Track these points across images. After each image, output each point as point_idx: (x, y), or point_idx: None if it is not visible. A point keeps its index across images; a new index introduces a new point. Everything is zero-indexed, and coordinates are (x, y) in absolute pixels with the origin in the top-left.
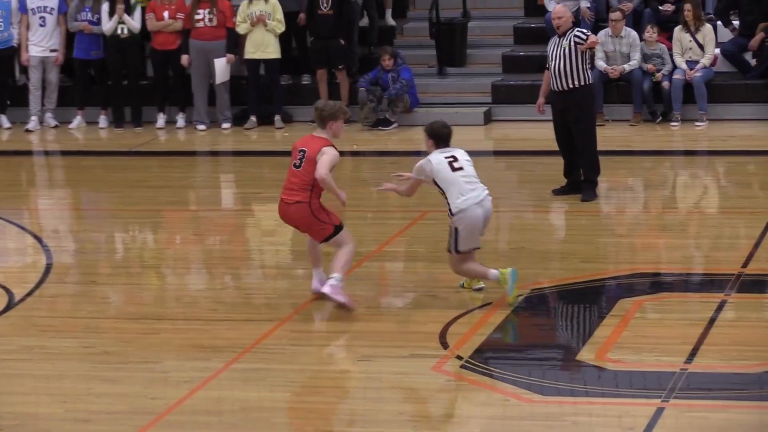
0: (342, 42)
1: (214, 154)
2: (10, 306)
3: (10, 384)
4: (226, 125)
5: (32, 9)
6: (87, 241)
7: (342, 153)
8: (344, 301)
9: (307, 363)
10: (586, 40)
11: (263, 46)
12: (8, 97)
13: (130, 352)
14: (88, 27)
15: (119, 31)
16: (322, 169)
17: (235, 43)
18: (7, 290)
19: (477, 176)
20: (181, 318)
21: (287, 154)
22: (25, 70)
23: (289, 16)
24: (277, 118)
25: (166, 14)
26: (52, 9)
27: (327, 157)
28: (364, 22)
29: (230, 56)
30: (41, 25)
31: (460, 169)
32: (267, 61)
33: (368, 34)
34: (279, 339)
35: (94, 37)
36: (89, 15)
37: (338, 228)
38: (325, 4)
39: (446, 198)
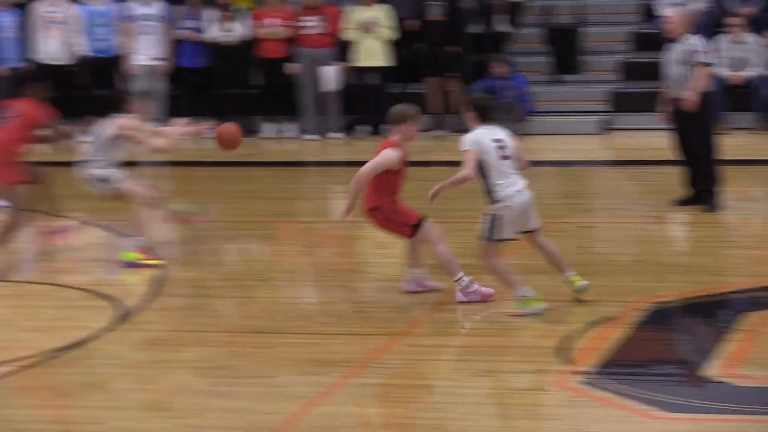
0: (454, 49)
1: (324, 164)
2: (123, 319)
3: (124, 398)
4: (336, 134)
5: (136, 17)
6: (199, 253)
7: (455, 163)
8: (477, 297)
9: (424, 378)
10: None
11: (373, 53)
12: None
13: (243, 367)
14: (192, 35)
15: (225, 39)
16: (365, 167)
17: (344, 50)
18: (121, 303)
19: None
20: (295, 332)
21: None
22: (128, 79)
23: (400, 23)
24: (387, 127)
25: (272, 21)
26: (155, 17)
27: (376, 158)
28: (477, 28)
29: (340, 64)
30: (146, 34)
31: (507, 157)
32: (377, 69)
33: (481, 41)
34: (395, 353)
35: (200, 45)
36: (193, 23)
37: (416, 226)
38: (436, 11)
39: (487, 182)
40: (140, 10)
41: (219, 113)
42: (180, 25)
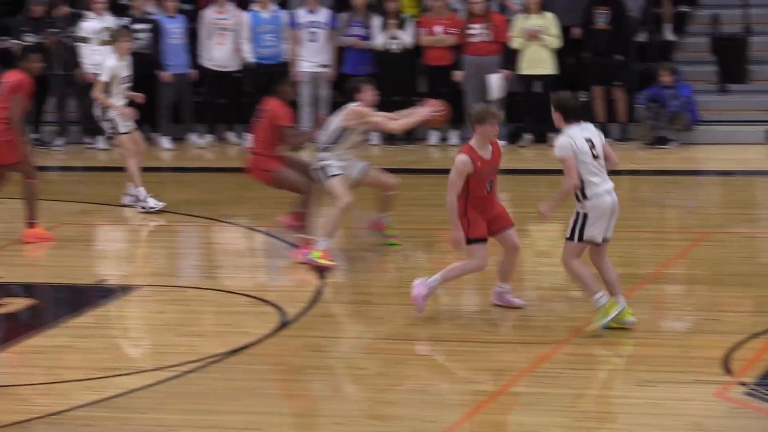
0: (620, 58)
1: None
2: (283, 325)
3: (281, 404)
4: (500, 142)
5: (303, 24)
6: (359, 260)
7: (619, 172)
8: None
9: (586, 387)
10: None
11: (539, 61)
12: None
13: (403, 374)
14: (358, 42)
15: (390, 47)
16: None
17: (510, 58)
18: (281, 309)
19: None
20: (456, 340)
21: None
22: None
23: (565, 31)
24: (552, 135)
25: (438, 29)
26: (323, 24)
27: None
28: (643, 37)
29: (505, 72)
30: (312, 41)
31: (597, 157)
32: (542, 77)
33: (647, 49)
34: (556, 362)
35: (365, 52)
36: (359, 30)
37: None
38: (602, 20)
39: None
40: (307, 17)
41: None
42: (346, 33)
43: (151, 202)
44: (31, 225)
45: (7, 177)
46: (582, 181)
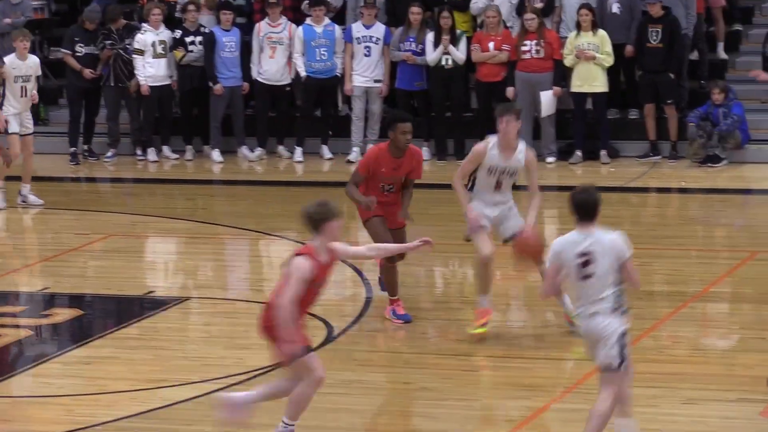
0: (672, 76)
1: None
2: (329, 339)
3: (326, 418)
4: (550, 159)
5: (357, 38)
6: (407, 275)
7: (669, 189)
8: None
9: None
10: None
11: (590, 79)
12: (331, 127)
13: (448, 389)
14: (411, 57)
15: (443, 62)
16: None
17: (562, 75)
18: (327, 323)
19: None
20: (502, 355)
21: (616, 189)
22: (348, 100)
23: (617, 48)
24: (603, 153)
25: (491, 45)
26: (377, 39)
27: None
28: (695, 55)
29: (557, 89)
30: (366, 55)
31: (587, 277)
32: (594, 95)
33: (698, 67)
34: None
35: (418, 67)
36: (413, 45)
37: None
38: (655, 37)
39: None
40: (362, 31)
41: (435, 136)
42: (399, 48)
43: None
44: None
45: None
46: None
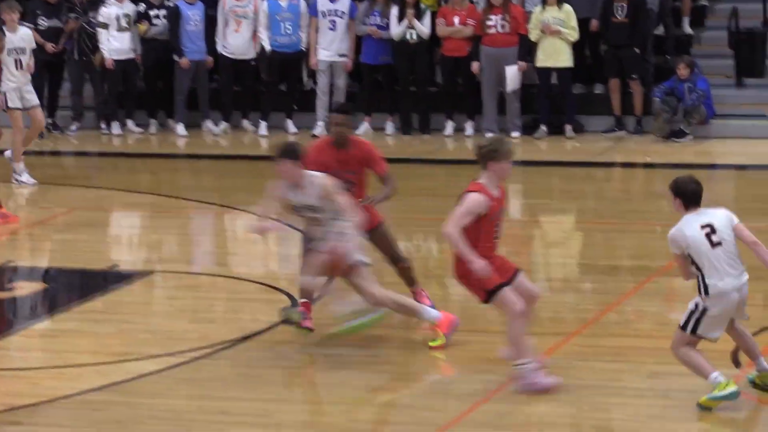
0: (637, 51)
1: None
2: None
3: (290, 392)
4: (515, 134)
5: (323, 12)
6: (373, 250)
7: (634, 164)
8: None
9: (595, 379)
10: None
11: (556, 53)
12: (295, 101)
13: (411, 363)
14: (376, 32)
15: (408, 37)
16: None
17: (527, 50)
18: (291, 297)
19: (738, 254)
20: (465, 329)
21: (578, 164)
22: (312, 74)
23: (582, 23)
24: (568, 127)
25: (456, 20)
26: (343, 13)
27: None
28: (660, 30)
29: (522, 64)
30: (331, 29)
31: (719, 244)
32: (559, 69)
33: (664, 42)
34: (565, 354)
35: (382, 42)
36: (378, 19)
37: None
38: (620, 12)
39: (701, 273)
40: (327, 5)
41: (400, 111)
42: (365, 21)
43: (25, 177)
44: None
45: None
46: (702, 274)
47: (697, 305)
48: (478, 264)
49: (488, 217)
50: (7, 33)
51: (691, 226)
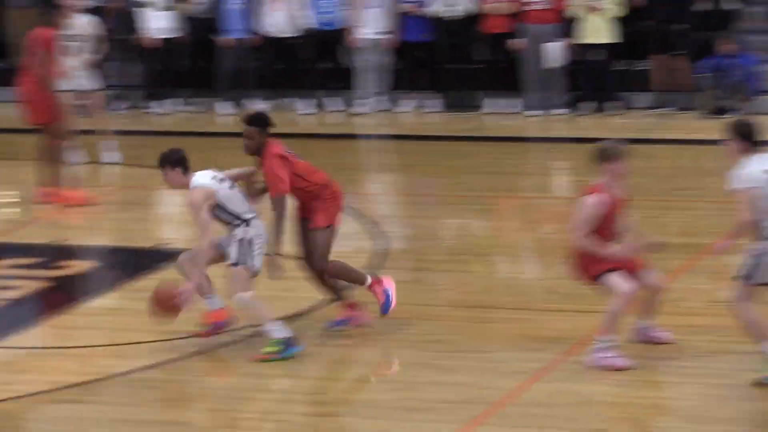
0: (680, 26)
1: (547, 140)
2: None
3: (341, 370)
4: (559, 111)
5: None
6: (419, 227)
7: (679, 141)
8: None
9: (643, 357)
10: None
11: (598, 30)
12: (336, 79)
13: (461, 341)
14: (416, 9)
15: (449, 13)
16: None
17: (569, 26)
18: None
19: None
20: (513, 307)
21: (625, 141)
22: (353, 52)
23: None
24: (612, 104)
25: None
26: None
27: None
28: (705, 6)
29: (564, 40)
30: (370, 7)
31: None
32: (602, 46)
33: (708, 18)
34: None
35: (423, 19)
36: None
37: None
38: None
39: (762, 217)
40: None
41: (441, 88)
42: None
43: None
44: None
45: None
46: (763, 217)
47: (755, 251)
48: (612, 249)
49: (608, 216)
50: (67, 20)
51: (755, 167)
